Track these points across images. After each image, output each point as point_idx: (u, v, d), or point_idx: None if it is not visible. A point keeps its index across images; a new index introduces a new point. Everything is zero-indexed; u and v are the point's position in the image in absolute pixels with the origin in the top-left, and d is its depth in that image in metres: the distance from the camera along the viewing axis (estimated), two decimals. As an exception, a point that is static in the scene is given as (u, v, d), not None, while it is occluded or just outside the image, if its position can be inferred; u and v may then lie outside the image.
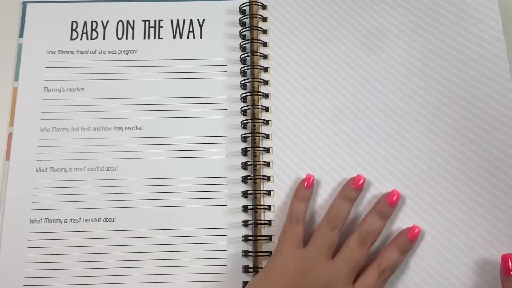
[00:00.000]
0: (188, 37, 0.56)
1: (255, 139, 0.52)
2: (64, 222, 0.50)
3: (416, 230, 0.47)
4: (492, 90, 0.52)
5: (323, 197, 0.50)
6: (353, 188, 0.48)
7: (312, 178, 0.49)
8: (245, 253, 0.49)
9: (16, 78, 0.54)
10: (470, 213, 0.49)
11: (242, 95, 0.53)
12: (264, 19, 0.55)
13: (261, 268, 0.48)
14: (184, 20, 0.56)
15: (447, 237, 0.48)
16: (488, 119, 0.52)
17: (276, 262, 0.45)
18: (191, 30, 0.56)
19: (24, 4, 0.57)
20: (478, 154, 0.51)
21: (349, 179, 0.49)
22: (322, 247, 0.45)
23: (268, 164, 0.51)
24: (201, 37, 0.56)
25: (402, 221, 0.49)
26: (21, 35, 0.56)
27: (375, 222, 0.47)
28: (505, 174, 0.50)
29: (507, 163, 0.50)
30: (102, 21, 0.56)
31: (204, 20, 0.56)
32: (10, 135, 0.52)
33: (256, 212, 0.50)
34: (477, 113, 0.52)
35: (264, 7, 0.56)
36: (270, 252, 0.49)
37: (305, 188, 0.49)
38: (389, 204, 0.48)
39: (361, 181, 0.49)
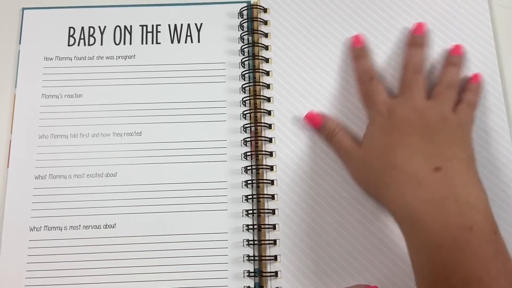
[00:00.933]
0: (186, 42, 0.56)
1: (258, 143, 0.52)
2: (64, 229, 0.50)
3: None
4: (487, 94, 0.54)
5: (328, 201, 0.51)
6: (417, 34, 0.54)
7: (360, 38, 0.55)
8: (248, 258, 0.49)
9: (16, 85, 0.54)
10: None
11: (244, 99, 0.53)
12: (265, 23, 0.56)
13: (266, 272, 0.49)
14: (181, 25, 0.57)
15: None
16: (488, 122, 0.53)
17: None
18: (189, 34, 0.57)
19: (23, 10, 0.57)
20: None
21: (411, 29, 0.55)
22: (418, 89, 0.50)
23: (271, 168, 0.51)
24: (199, 42, 0.56)
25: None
26: (20, 41, 0.56)
27: (452, 71, 0.52)
28: (503, 176, 0.52)
29: (505, 169, 0.52)
30: (99, 27, 0.57)
31: (202, 24, 0.57)
32: (10, 142, 0.53)
33: (260, 216, 0.50)
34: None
35: (265, 10, 0.56)
36: (275, 257, 0.49)
37: (359, 47, 0.55)
38: (457, 53, 0.54)
39: (423, 28, 0.54)
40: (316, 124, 0.52)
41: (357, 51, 0.54)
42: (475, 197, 0.43)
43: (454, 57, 0.53)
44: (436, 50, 0.55)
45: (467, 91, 0.52)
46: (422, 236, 0.42)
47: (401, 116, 0.47)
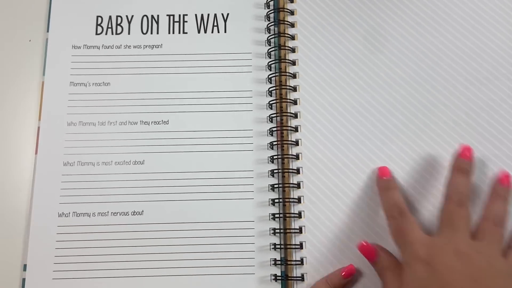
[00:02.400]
0: (212, 32, 0.57)
1: (283, 133, 0.53)
2: (92, 215, 0.52)
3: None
4: (495, 86, 0.55)
5: (352, 189, 0.52)
6: (464, 159, 0.49)
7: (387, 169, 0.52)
8: (274, 246, 0.50)
9: (44, 73, 0.55)
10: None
11: (270, 89, 0.54)
12: (292, 13, 0.57)
13: (291, 260, 0.50)
14: (208, 15, 0.58)
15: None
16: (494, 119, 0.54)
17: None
18: (215, 24, 0.58)
19: (51, -2, 0.59)
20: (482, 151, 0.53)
21: (457, 153, 0.50)
22: (462, 227, 0.45)
23: (297, 156, 0.52)
24: (225, 32, 0.57)
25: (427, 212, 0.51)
26: (48, 29, 0.57)
27: (498, 205, 0.48)
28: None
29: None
30: (126, 16, 0.58)
31: (228, 14, 0.58)
32: (39, 129, 0.54)
33: (285, 205, 0.51)
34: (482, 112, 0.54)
35: (292, 0, 0.57)
36: (300, 244, 0.50)
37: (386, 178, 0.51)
38: (504, 185, 0.49)
39: (470, 152, 0.49)
40: (370, 257, 0.49)
41: (384, 182, 0.51)
42: None
43: (502, 189, 0.49)
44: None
45: None
46: None
47: (444, 265, 0.43)
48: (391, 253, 0.49)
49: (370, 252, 0.49)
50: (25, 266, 0.50)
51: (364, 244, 0.49)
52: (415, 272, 0.44)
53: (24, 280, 0.50)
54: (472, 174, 0.49)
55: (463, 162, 0.49)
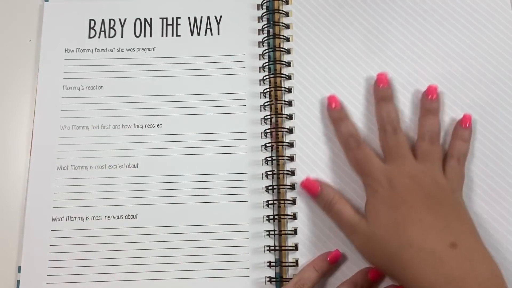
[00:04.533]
0: (205, 34, 0.58)
1: (278, 134, 0.54)
2: (86, 219, 0.53)
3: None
4: (498, 88, 0.55)
5: (346, 191, 0.53)
6: (384, 87, 0.53)
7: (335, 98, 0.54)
8: (268, 248, 0.51)
9: (37, 76, 0.57)
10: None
11: (265, 91, 0.55)
12: (287, 14, 0.57)
13: (285, 262, 0.51)
14: (201, 17, 0.59)
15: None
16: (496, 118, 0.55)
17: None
18: (208, 27, 0.58)
19: (44, 2, 0.59)
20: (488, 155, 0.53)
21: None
22: (404, 152, 0.50)
23: (292, 158, 0.53)
24: (218, 34, 0.58)
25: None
26: (41, 33, 0.58)
27: (430, 121, 0.52)
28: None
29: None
30: (119, 19, 0.59)
31: (221, 16, 0.59)
32: (33, 131, 0.55)
33: (280, 207, 0.52)
34: (484, 112, 0.55)
35: (287, 1, 0.58)
36: (295, 246, 0.51)
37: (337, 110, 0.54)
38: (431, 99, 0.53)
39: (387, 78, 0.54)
40: (313, 192, 0.51)
41: (336, 113, 0.53)
42: (492, 272, 0.43)
43: (430, 103, 0.52)
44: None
45: (456, 139, 0.52)
46: None
47: (402, 187, 0.47)
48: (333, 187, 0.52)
49: (312, 187, 0.51)
50: (19, 268, 0.51)
51: (306, 179, 0.52)
52: (378, 194, 0.48)
53: (18, 282, 0.51)
54: (393, 100, 0.53)
55: (382, 89, 0.53)
